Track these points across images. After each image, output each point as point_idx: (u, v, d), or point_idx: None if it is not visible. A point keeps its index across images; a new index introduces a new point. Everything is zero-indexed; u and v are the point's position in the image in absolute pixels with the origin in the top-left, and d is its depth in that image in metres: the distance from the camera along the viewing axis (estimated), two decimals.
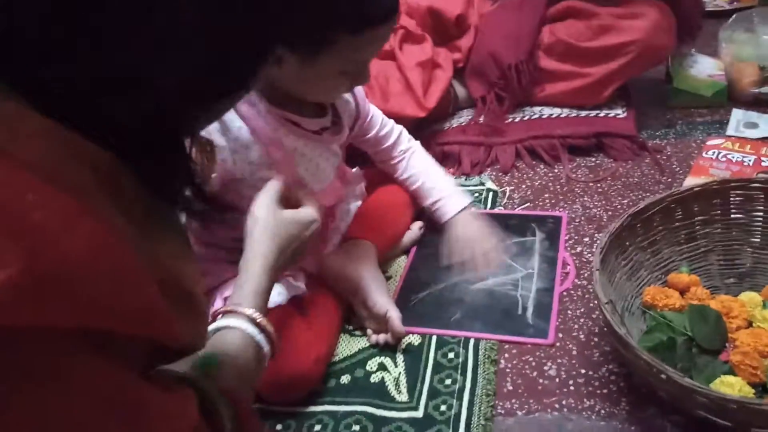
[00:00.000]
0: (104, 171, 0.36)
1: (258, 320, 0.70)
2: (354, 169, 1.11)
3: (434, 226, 1.15)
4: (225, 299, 0.91)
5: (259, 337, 0.70)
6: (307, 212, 0.80)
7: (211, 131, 0.83)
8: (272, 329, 0.71)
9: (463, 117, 1.49)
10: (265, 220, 0.78)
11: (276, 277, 0.77)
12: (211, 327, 0.70)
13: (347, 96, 0.99)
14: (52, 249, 0.32)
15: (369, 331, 0.97)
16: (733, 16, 1.54)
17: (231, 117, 0.84)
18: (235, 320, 0.70)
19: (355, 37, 0.77)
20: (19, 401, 0.33)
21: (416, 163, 1.11)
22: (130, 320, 0.37)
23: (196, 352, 0.49)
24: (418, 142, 1.14)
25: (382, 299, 0.94)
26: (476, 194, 1.27)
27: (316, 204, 0.82)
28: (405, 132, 1.13)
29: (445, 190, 1.10)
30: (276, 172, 0.86)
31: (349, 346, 0.97)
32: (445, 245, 1.08)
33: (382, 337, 0.94)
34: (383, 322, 0.93)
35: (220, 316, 0.71)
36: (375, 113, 1.08)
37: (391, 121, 1.11)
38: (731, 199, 0.94)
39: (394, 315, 0.92)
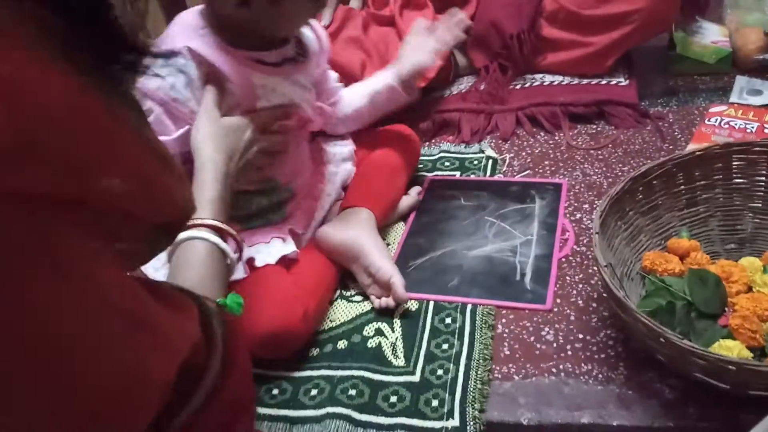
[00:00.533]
0: (53, 31, 0.31)
1: (219, 227, 0.72)
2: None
3: (434, 196, 1.15)
4: None
5: (224, 246, 0.72)
6: (240, 118, 0.85)
7: (176, 84, 0.84)
8: (236, 233, 0.73)
9: (463, 84, 1.47)
10: (207, 127, 0.80)
11: (230, 184, 0.80)
12: (172, 244, 0.70)
13: (307, 31, 0.99)
14: (31, 105, 0.28)
15: (373, 297, 0.96)
16: None
17: (191, 65, 0.84)
18: (197, 231, 0.71)
19: None
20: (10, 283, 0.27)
21: (350, 91, 1.12)
22: (128, 184, 0.33)
23: (189, 219, 0.48)
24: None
25: (386, 265, 0.93)
26: (476, 161, 1.25)
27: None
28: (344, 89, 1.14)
29: (384, 74, 1.11)
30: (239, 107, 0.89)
31: (346, 311, 0.96)
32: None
33: (385, 301, 0.94)
34: (387, 287, 0.93)
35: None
36: (333, 80, 1.10)
37: (340, 85, 1.12)
38: (733, 163, 0.93)
39: (398, 281, 0.92)
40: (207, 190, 0.76)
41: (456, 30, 1.08)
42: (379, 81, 1.09)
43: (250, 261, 0.90)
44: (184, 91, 0.84)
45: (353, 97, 1.11)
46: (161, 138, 0.83)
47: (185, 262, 0.71)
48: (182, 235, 0.70)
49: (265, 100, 0.91)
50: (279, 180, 0.98)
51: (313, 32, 1.01)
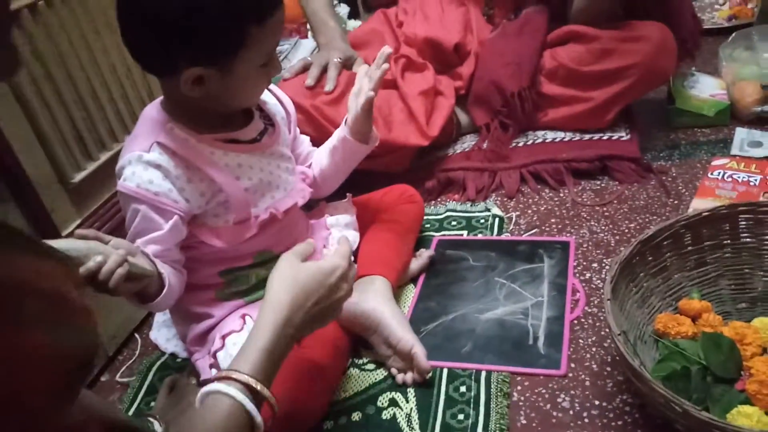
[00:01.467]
0: None
1: (253, 386, 0.66)
2: (347, 197, 1.13)
3: (443, 257, 1.15)
4: (224, 338, 0.91)
5: (251, 406, 0.65)
6: (330, 260, 0.78)
7: (153, 179, 0.85)
8: (270, 394, 0.68)
9: (467, 143, 1.49)
10: (282, 270, 0.75)
11: (296, 335, 0.73)
12: (200, 392, 0.67)
13: (268, 98, 1.00)
14: None
15: (394, 371, 0.95)
16: (733, 34, 1.54)
17: (165, 158, 0.86)
18: (226, 386, 0.66)
19: (261, 27, 0.81)
20: None
21: (315, 154, 1.11)
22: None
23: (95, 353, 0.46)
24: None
25: (406, 335, 0.93)
26: (482, 220, 1.26)
27: (343, 251, 0.81)
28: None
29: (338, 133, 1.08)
30: (227, 193, 0.90)
31: (359, 381, 0.96)
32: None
33: (409, 377, 0.93)
34: (409, 358, 0.92)
35: (214, 380, 0.68)
36: (306, 145, 1.11)
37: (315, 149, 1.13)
38: (740, 223, 0.94)
39: (419, 351, 0.91)
40: (258, 340, 0.69)
41: (376, 71, 1.04)
42: (335, 136, 1.09)
43: None
44: (163, 183, 0.85)
45: (317, 159, 1.11)
46: (154, 234, 0.85)
47: (202, 418, 0.66)
48: (211, 387, 0.66)
49: (246, 179, 0.92)
50: (274, 251, 0.98)
51: (275, 97, 1.02)
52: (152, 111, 0.90)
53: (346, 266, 0.79)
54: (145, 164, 0.85)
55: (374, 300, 0.97)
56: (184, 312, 0.97)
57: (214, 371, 0.92)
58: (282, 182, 0.98)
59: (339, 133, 1.07)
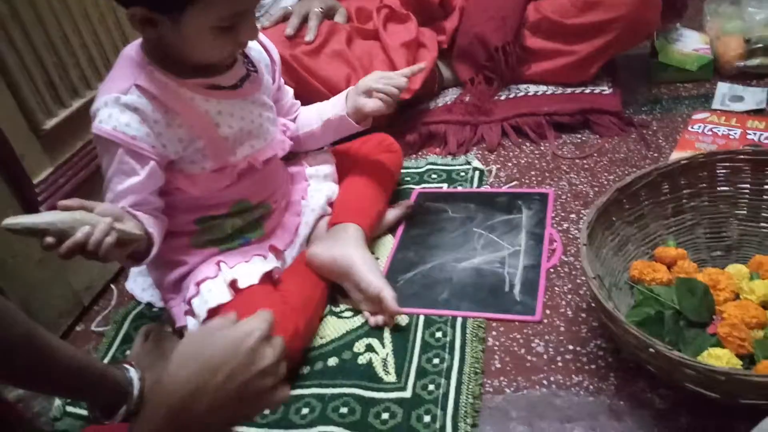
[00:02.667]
0: None
1: None
2: (325, 148, 1.11)
3: (423, 209, 1.15)
4: (198, 284, 0.90)
5: None
6: (246, 322, 0.60)
7: (131, 122, 0.82)
8: None
9: (449, 96, 1.47)
10: (184, 340, 0.59)
11: (210, 424, 0.56)
12: None
13: (253, 44, 0.97)
14: None
15: (366, 314, 0.96)
16: None
17: (144, 102, 0.83)
18: None
19: None
20: None
21: (306, 116, 1.10)
22: None
23: None
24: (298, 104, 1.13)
25: (375, 280, 0.93)
26: (462, 173, 1.26)
27: (264, 314, 0.61)
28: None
29: (329, 106, 1.08)
30: (206, 139, 0.88)
31: (336, 328, 0.96)
32: (357, 105, 1.04)
33: (380, 319, 0.93)
34: (378, 302, 0.92)
35: None
36: (289, 98, 1.09)
37: (297, 103, 1.10)
38: (717, 171, 0.94)
39: (388, 294, 0.91)
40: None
41: (400, 81, 1.03)
42: (330, 109, 1.08)
43: (233, 283, 0.89)
44: (140, 127, 0.83)
45: (308, 118, 1.09)
46: (131, 180, 0.83)
47: None
48: None
49: (225, 126, 0.90)
50: (251, 201, 0.97)
51: (261, 45, 1.00)
52: (131, 51, 0.87)
53: (266, 328, 0.60)
54: (122, 106, 0.82)
55: (345, 246, 0.97)
56: (158, 259, 0.96)
57: (189, 318, 0.91)
58: (263, 132, 0.96)
59: (336, 110, 1.06)
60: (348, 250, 0.96)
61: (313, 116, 1.09)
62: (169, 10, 0.77)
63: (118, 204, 0.83)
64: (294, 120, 1.10)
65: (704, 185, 0.95)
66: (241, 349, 0.57)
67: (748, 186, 0.93)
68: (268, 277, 0.92)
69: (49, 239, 0.69)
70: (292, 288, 0.93)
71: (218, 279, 0.90)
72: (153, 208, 0.87)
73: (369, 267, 0.95)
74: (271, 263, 0.94)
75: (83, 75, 1.09)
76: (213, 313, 0.87)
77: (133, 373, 0.88)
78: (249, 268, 0.91)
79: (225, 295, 0.88)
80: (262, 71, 0.98)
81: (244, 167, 0.94)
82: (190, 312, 0.91)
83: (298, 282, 0.95)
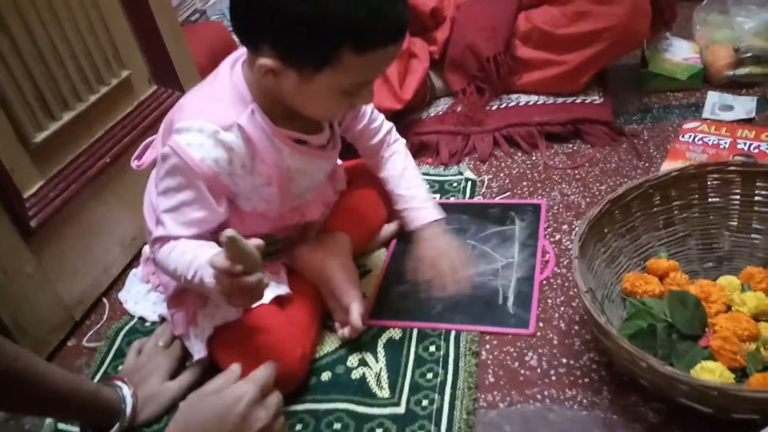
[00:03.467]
0: None
1: None
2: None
3: None
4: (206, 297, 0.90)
5: None
6: (237, 386, 0.65)
7: (220, 159, 0.81)
8: None
9: (440, 106, 1.48)
10: (181, 408, 0.65)
11: None
12: None
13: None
14: None
15: (336, 324, 0.96)
16: None
17: (239, 143, 0.82)
18: None
19: (359, 57, 0.74)
20: None
21: (395, 165, 1.03)
22: None
23: None
24: (403, 141, 1.07)
25: (349, 291, 0.93)
26: (455, 183, 1.26)
27: (256, 376, 0.68)
28: (394, 130, 1.06)
29: (416, 199, 1.00)
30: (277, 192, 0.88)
31: (329, 342, 0.96)
32: (412, 259, 1.01)
33: (346, 331, 0.93)
34: (347, 312, 0.92)
35: None
36: (365, 107, 1.03)
37: (381, 116, 1.05)
38: (708, 183, 0.94)
39: (355, 308, 0.91)
40: None
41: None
42: (407, 192, 1.01)
43: None
44: (226, 167, 0.82)
45: (393, 172, 1.03)
46: (204, 213, 0.82)
47: None
48: None
49: (298, 182, 0.90)
50: (277, 236, 0.96)
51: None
52: (237, 78, 0.84)
53: (256, 390, 0.65)
54: (218, 141, 0.80)
55: (329, 254, 0.96)
56: None
57: (192, 329, 0.91)
58: (316, 185, 0.97)
59: (401, 213, 1.02)
60: (330, 259, 0.96)
61: (396, 176, 1.03)
62: (303, 67, 0.76)
63: (188, 230, 0.82)
64: (380, 144, 1.04)
65: (695, 197, 0.95)
66: (230, 416, 0.61)
67: (738, 197, 0.94)
68: (276, 297, 0.91)
69: (240, 268, 0.69)
70: (297, 306, 0.92)
71: None
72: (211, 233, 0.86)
73: (347, 277, 0.95)
74: (283, 288, 0.92)
75: (73, 87, 1.08)
76: (219, 330, 0.87)
77: (126, 391, 0.87)
78: None
79: (234, 313, 0.87)
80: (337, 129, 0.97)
81: (290, 223, 0.95)
82: (193, 322, 0.90)
83: (301, 299, 0.94)
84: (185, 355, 0.96)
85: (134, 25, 1.24)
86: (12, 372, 0.72)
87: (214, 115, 0.81)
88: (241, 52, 0.86)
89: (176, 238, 0.82)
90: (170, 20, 1.31)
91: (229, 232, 0.67)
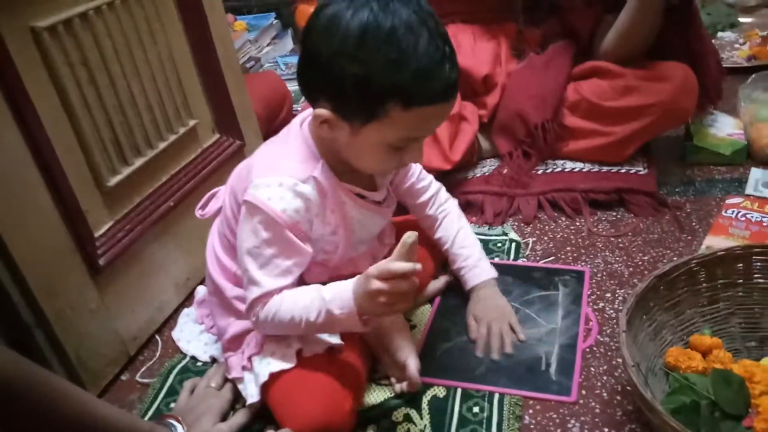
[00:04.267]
0: None
1: None
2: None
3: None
4: (261, 344, 0.94)
5: None
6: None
7: (300, 209, 0.86)
8: None
9: (487, 167, 1.52)
10: None
11: None
12: None
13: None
14: None
15: (392, 379, 0.98)
16: (753, 75, 1.58)
17: (315, 194, 0.88)
18: None
19: (405, 112, 0.79)
20: None
21: (450, 226, 1.10)
22: None
23: None
24: (455, 201, 1.14)
25: (405, 346, 0.96)
26: (499, 244, 1.29)
27: None
28: (443, 190, 1.12)
29: (471, 258, 1.09)
30: (340, 242, 0.93)
31: (375, 394, 0.98)
32: (467, 317, 1.08)
33: (404, 385, 0.96)
34: (403, 369, 0.95)
35: None
36: (415, 165, 1.08)
37: (430, 176, 1.10)
38: (754, 263, 0.96)
39: (411, 364, 0.94)
40: None
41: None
42: (461, 252, 1.10)
43: (299, 351, 0.92)
44: (305, 215, 0.87)
45: (449, 226, 1.10)
46: (297, 258, 0.87)
47: None
48: None
49: (358, 234, 0.96)
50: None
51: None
52: (306, 136, 0.91)
53: None
54: (297, 193, 0.86)
55: None
56: (229, 306, 1.00)
57: (246, 374, 0.95)
58: (369, 238, 1.02)
59: (457, 272, 1.11)
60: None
61: (450, 235, 1.10)
62: (353, 119, 0.81)
63: (286, 280, 0.87)
64: (428, 202, 1.10)
65: (740, 276, 0.97)
66: None
67: None
68: (329, 348, 0.94)
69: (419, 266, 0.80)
70: (349, 357, 0.95)
71: (284, 343, 0.92)
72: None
73: (400, 333, 0.98)
74: (335, 338, 0.95)
75: (146, 135, 1.16)
76: (273, 376, 0.90)
77: (180, 430, 0.91)
78: (315, 338, 0.93)
79: (289, 361, 0.90)
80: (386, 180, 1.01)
81: (344, 273, 0.97)
82: (249, 368, 0.94)
83: (351, 351, 0.96)
84: (236, 397, 1.00)
85: (203, 77, 1.32)
86: (75, 415, 0.76)
87: (291, 170, 0.87)
88: (308, 112, 0.92)
89: (278, 291, 0.86)
90: (235, 73, 1.39)
91: (413, 234, 0.79)
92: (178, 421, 0.92)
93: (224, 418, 0.97)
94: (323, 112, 0.82)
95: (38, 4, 0.95)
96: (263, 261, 0.86)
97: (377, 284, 0.79)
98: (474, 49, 1.53)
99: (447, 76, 0.79)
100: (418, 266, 0.79)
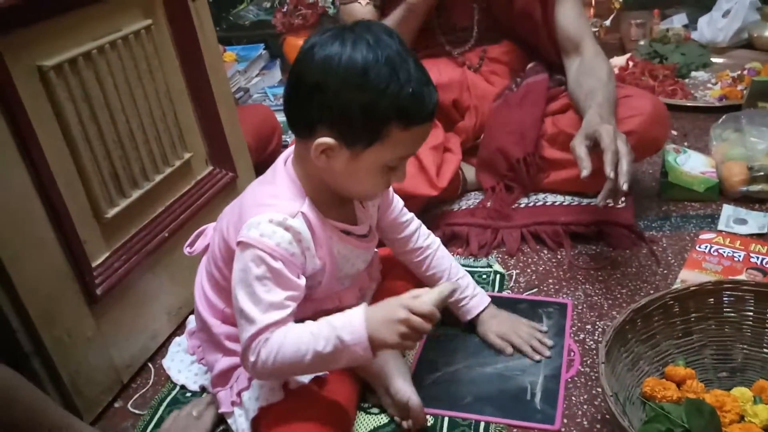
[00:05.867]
0: None
1: None
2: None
3: (446, 311, 1.21)
4: (250, 379, 0.97)
5: None
6: None
7: (293, 241, 0.89)
8: None
9: (471, 200, 1.58)
10: None
11: None
12: None
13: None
14: None
15: (397, 419, 1.01)
16: (723, 116, 1.65)
17: (304, 229, 0.91)
18: None
19: (405, 132, 0.85)
20: None
21: (441, 262, 1.14)
22: None
23: None
24: (437, 240, 1.17)
25: (404, 387, 0.98)
26: (484, 275, 1.34)
27: None
28: (424, 227, 1.17)
29: (469, 288, 1.15)
30: (325, 277, 0.96)
31: (365, 423, 1.01)
32: (489, 339, 1.14)
33: (410, 423, 0.98)
34: (405, 409, 0.97)
35: None
36: (397, 199, 1.12)
37: (411, 213, 1.15)
38: (724, 298, 1.02)
39: (415, 403, 0.97)
40: None
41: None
42: (463, 286, 1.15)
43: (285, 384, 0.95)
44: (297, 247, 0.90)
45: (441, 263, 1.15)
46: (292, 292, 0.89)
47: None
48: None
49: (344, 270, 1.00)
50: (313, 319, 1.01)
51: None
52: (292, 174, 0.94)
53: None
54: (287, 227, 0.89)
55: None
56: (217, 343, 1.02)
57: (236, 409, 0.98)
58: (356, 273, 1.05)
59: (457, 304, 1.16)
60: (382, 355, 0.99)
61: (444, 270, 1.14)
62: (355, 142, 0.86)
63: (282, 311, 0.87)
64: (410, 237, 1.14)
65: (711, 310, 1.03)
66: None
67: (751, 313, 1.01)
68: (316, 378, 0.97)
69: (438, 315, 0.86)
70: (336, 390, 0.97)
71: None
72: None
73: (400, 372, 1.00)
74: None
75: (143, 167, 1.19)
76: (263, 410, 0.93)
77: None
78: None
79: (277, 394, 0.93)
80: (370, 212, 1.05)
81: (328, 308, 1.01)
82: (239, 404, 0.97)
83: (342, 382, 0.99)
84: (213, 428, 1.05)
85: (198, 111, 1.36)
86: (56, 424, 0.80)
87: (280, 207, 0.91)
88: (290, 151, 0.97)
89: (274, 325, 0.86)
90: (228, 106, 1.43)
91: (454, 284, 0.92)
92: None
93: None
94: (326, 140, 0.86)
95: (46, 44, 0.99)
96: (257, 298, 0.86)
97: (405, 314, 0.84)
98: (439, 80, 1.58)
99: (433, 97, 0.88)
100: (438, 315, 0.86)
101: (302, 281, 0.91)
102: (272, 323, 0.86)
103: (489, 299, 1.16)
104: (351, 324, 0.85)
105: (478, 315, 1.15)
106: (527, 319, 1.17)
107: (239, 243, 0.89)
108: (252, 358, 0.86)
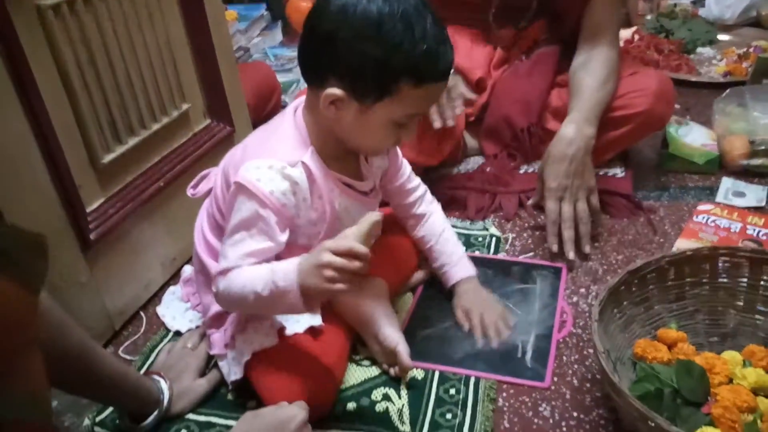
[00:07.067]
0: None
1: None
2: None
3: None
4: (246, 322, 0.97)
5: None
6: (289, 408, 0.85)
7: (287, 192, 0.88)
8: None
9: (471, 164, 1.57)
10: (244, 416, 0.85)
11: None
12: None
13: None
14: None
15: (384, 366, 1.02)
16: (727, 90, 1.64)
17: (303, 179, 0.90)
18: None
19: (416, 89, 0.84)
20: None
21: (433, 227, 1.14)
22: None
23: None
24: (439, 205, 1.18)
25: (393, 334, 0.99)
26: (480, 238, 1.34)
27: (302, 403, 0.87)
28: (429, 193, 1.16)
29: (453, 256, 1.14)
30: (326, 228, 0.95)
31: (356, 374, 1.02)
32: (454, 310, 1.12)
33: (397, 370, 1.00)
34: (393, 355, 0.99)
35: None
36: (405, 164, 1.12)
37: (418, 179, 1.14)
38: (719, 264, 1.02)
39: (402, 349, 0.98)
40: None
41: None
42: (444, 250, 1.14)
43: (281, 330, 0.95)
44: (291, 198, 0.90)
45: (432, 227, 1.14)
46: (269, 243, 0.89)
47: None
48: None
49: (344, 222, 0.98)
50: None
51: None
52: (299, 122, 0.93)
53: (305, 415, 0.85)
54: (285, 176, 0.88)
55: (369, 298, 1.03)
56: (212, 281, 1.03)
57: (229, 351, 0.98)
58: None
59: (439, 269, 1.15)
60: (371, 302, 1.03)
61: (433, 234, 1.14)
62: (366, 96, 0.85)
63: (248, 261, 0.88)
64: (414, 203, 1.14)
65: (706, 276, 1.03)
66: (286, 429, 0.81)
67: (746, 280, 1.01)
68: (310, 328, 0.97)
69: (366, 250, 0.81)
70: (330, 340, 0.98)
71: (266, 322, 0.95)
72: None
73: (389, 321, 1.02)
74: (317, 319, 0.98)
75: (140, 116, 1.18)
76: (256, 354, 0.93)
77: (163, 384, 0.96)
78: (296, 317, 0.96)
79: (271, 339, 0.93)
80: (374, 171, 1.04)
81: None
82: (232, 346, 0.97)
83: (334, 333, 1.00)
84: (208, 360, 1.05)
85: (198, 62, 1.34)
86: (80, 351, 0.81)
87: (281, 154, 0.90)
88: (301, 100, 0.96)
89: (238, 267, 0.88)
90: (229, 61, 1.41)
91: (377, 215, 0.82)
92: (161, 377, 0.96)
93: (202, 374, 1.02)
94: (335, 91, 0.85)
95: None
96: (240, 237, 0.88)
97: (328, 257, 0.79)
98: (470, 53, 1.57)
99: (448, 56, 0.86)
100: (365, 249, 0.80)
101: (284, 237, 0.90)
102: (235, 266, 0.87)
103: (472, 273, 1.13)
104: (285, 270, 0.84)
105: (455, 285, 1.13)
106: (505, 310, 1.11)
107: (235, 183, 0.89)
108: (214, 289, 0.91)
